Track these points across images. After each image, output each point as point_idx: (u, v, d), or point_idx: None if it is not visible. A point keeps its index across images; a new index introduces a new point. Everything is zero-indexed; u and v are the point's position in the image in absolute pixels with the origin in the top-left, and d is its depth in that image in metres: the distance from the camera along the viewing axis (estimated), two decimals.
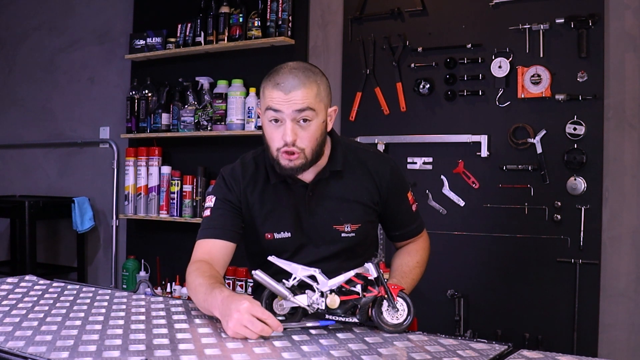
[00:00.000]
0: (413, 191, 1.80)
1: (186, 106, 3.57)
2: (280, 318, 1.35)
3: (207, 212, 1.66)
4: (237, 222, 1.64)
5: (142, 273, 3.76)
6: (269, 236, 1.63)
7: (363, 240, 1.68)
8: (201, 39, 3.51)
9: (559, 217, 2.67)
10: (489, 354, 1.20)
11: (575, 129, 2.62)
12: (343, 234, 1.63)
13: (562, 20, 2.64)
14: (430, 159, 2.96)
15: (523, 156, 2.74)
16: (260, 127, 3.42)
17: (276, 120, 1.53)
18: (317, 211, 1.63)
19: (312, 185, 1.63)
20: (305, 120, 1.52)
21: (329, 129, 1.63)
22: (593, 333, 2.60)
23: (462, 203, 2.88)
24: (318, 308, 1.35)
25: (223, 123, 3.41)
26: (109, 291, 1.72)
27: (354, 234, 1.64)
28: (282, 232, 1.63)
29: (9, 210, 4.03)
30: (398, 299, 1.35)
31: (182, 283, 3.48)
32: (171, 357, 1.13)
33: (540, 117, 2.71)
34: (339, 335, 1.32)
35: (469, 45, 2.85)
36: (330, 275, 1.39)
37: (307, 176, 1.63)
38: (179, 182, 3.57)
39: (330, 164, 1.64)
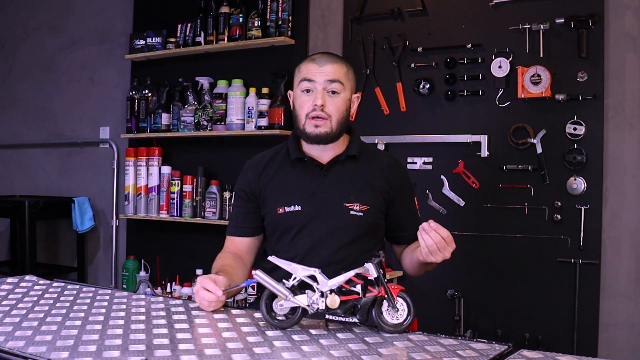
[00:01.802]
0: (416, 195, 1.90)
1: (186, 106, 3.57)
2: (280, 318, 1.36)
3: (232, 208, 1.94)
4: (253, 217, 1.84)
5: (142, 273, 3.75)
6: (281, 210, 1.76)
7: (370, 224, 1.75)
8: (201, 39, 3.51)
9: (559, 217, 2.67)
10: (489, 354, 1.20)
11: (575, 129, 2.62)
12: (352, 212, 1.73)
13: (562, 20, 2.64)
14: (430, 159, 2.96)
15: (523, 156, 2.75)
16: (260, 127, 3.44)
17: (308, 91, 1.73)
18: (329, 189, 1.76)
19: (328, 166, 1.78)
20: (334, 92, 1.72)
21: (352, 111, 1.81)
22: (593, 333, 2.61)
23: (462, 203, 2.88)
24: (318, 308, 1.35)
25: (223, 123, 3.41)
26: (109, 291, 1.71)
27: (362, 214, 1.73)
28: (292, 206, 1.76)
29: (9, 210, 4.03)
30: (398, 299, 1.35)
31: (182, 283, 3.49)
32: (171, 357, 1.13)
33: (540, 117, 2.71)
34: (339, 335, 1.32)
35: (469, 45, 2.85)
36: (336, 260, 1.52)
37: (324, 158, 1.78)
38: (179, 182, 3.57)
39: (347, 150, 1.80)
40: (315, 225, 1.73)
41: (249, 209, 1.84)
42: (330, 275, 1.36)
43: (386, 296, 1.35)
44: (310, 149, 1.79)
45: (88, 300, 1.58)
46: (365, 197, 1.74)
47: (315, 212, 1.73)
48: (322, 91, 1.71)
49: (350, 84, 1.78)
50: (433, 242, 1.49)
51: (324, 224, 1.73)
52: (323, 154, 1.78)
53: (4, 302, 1.54)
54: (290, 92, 1.84)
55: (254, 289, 3.12)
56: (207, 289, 1.49)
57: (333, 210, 1.73)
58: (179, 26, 3.63)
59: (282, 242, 1.77)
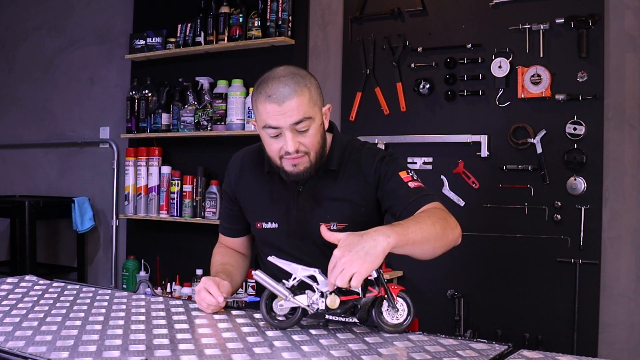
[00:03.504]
0: (405, 169, 1.67)
1: (186, 106, 3.57)
2: (280, 318, 1.36)
3: (222, 207, 1.90)
4: (238, 219, 1.80)
5: (142, 273, 3.75)
6: (259, 225, 1.71)
7: None
8: (201, 39, 3.51)
9: (559, 217, 2.67)
10: (489, 354, 1.20)
11: (575, 129, 2.62)
12: None
13: (562, 20, 2.64)
14: (430, 159, 2.96)
15: (523, 156, 2.75)
16: None
17: (275, 136, 1.53)
18: (305, 207, 1.65)
19: (304, 181, 1.64)
20: (303, 129, 1.52)
21: (326, 127, 1.64)
22: (593, 333, 2.61)
23: (462, 203, 2.88)
24: (318, 308, 1.35)
25: (223, 123, 3.41)
26: (109, 291, 1.72)
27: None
28: (269, 222, 1.68)
29: (9, 210, 4.03)
30: (398, 299, 1.35)
31: (182, 283, 3.49)
32: (171, 357, 1.13)
33: (540, 117, 2.71)
34: (339, 335, 1.32)
35: (469, 45, 2.85)
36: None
37: None
38: (179, 182, 3.57)
39: (326, 164, 1.65)
40: (293, 244, 1.66)
41: (234, 211, 1.80)
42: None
43: (386, 296, 1.35)
44: None
45: (88, 300, 1.58)
46: (342, 214, 1.62)
47: (292, 231, 1.66)
48: (290, 133, 1.51)
49: (317, 107, 1.56)
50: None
51: (302, 243, 1.66)
52: None
53: (4, 302, 1.54)
54: (253, 121, 1.69)
55: (254, 289, 3.12)
56: (210, 292, 1.49)
57: (309, 230, 1.63)
58: (179, 26, 3.63)
59: (265, 258, 1.65)
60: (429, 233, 1.43)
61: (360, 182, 1.64)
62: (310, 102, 1.53)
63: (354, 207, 1.64)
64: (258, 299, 1.40)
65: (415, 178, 1.62)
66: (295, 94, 1.49)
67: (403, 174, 1.61)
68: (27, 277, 1.89)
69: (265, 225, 1.68)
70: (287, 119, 1.49)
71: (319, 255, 1.64)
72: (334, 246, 1.59)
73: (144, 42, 3.74)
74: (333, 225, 1.61)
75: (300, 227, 1.65)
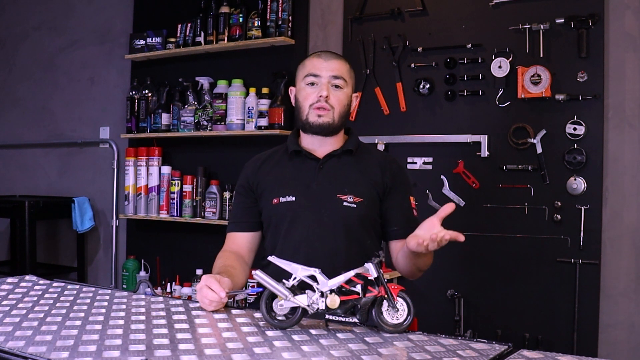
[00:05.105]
0: (414, 195, 1.88)
1: (186, 106, 3.57)
2: (280, 318, 1.36)
3: (231, 206, 1.99)
4: (251, 212, 1.87)
5: (142, 273, 3.76)
6: (275, 201, 1.79)
7: (363, 216, 1.76)
8: (201, 39, 3.51)
9: (559, 217, 2.67)
10: (489, 354, 1.20)
11: (575, 129, 2.62)
12: (345, 203, 1.75)
13: (562, 20, 2.64)
14: (430, 159, 2.96)
15: (523, 156, 2.75)
16: (260, 127, 3.43)
17: (312, 84, 1.78)
18: (323, 182, 1.79)
19: (324, 159, 1.81)
20: (337, 86, 1.78)
21: (351, 109, 1.87)
22: (593, 333, 2.61)
23: (462, 203, 2.88)
24: (318, 308, 1.35)
25: (223, 123, 3.41)
26: (109, 291, 1.71)
27: (355, 206, 1.75)
28: (287, 196, 1.78)
29: (9, 210, 4.03)
30: (398, 299, 1.35)
31: (182, 283, 3.49)
32: (171, 357, 1.13)
33: (540, 117, 2.71)
34: (339, 335, 1.32)
35: (469, 45, 2.85)
36: (330, 253, 1.54)
37: (321, 152, 1.82)
38: (179, 182, 3.57)
39: (344, 145, 1.84)
40: (308, 215, 1.75)
41: (247, 204, 1.87)
42: (326, 270, 1.37)
43: (386, 296, 1.35)
44: (309, 143, 1.83)
45: (88, 300, 1.58)
46: (359, 189, 1.77)
47: (309, 203, 1.76)
48: (326, 84, 1.77)
49: (352, 82, 1.84)
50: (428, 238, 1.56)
51: (317, 214, 1.74)
52: (320, 148, 1.82)
53: (4, 302, 1.54)
54: (291, 88, 1.89)
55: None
56: (211, 288, 1.50)
57: (326, 201, 1.75)
58: (179, 26, 3.63)
59: (278, 235, 1.79)
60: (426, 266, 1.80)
61: (378, 172, 1.82)
62: (349, 73, 1.83)
63: (370, 187, 1.79)
64: (261, 289, 1.40)
65: (416, 207, 1.88)
66: (339, 60, 1.82)
67: (412, 199, 1.86)
68: (27, 277, 1.89)
69: (282, 199, 1.78)
70: (328, 71, 1.78)
71: (333, 227, 1.74)
72: (345, 220, 1.74)
73: (144, 42, 3.74)
74: (350, 198, 1.75)
75: (318, 199, 1.76)
